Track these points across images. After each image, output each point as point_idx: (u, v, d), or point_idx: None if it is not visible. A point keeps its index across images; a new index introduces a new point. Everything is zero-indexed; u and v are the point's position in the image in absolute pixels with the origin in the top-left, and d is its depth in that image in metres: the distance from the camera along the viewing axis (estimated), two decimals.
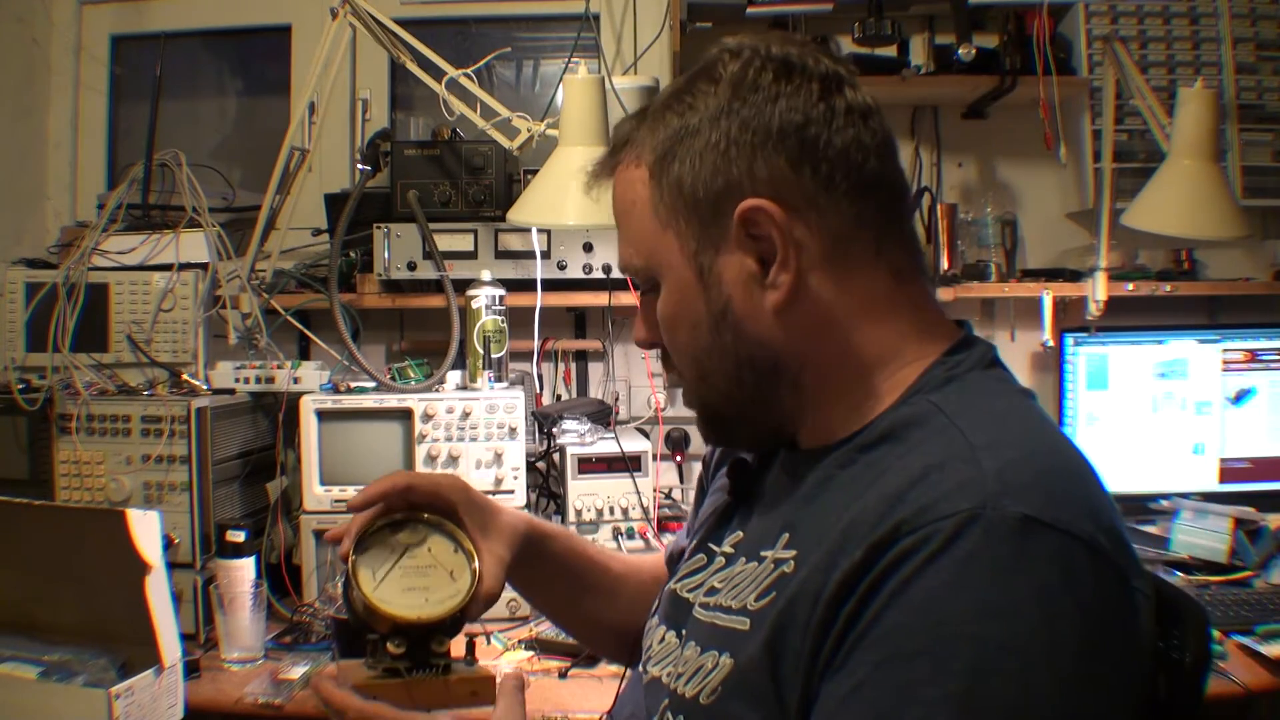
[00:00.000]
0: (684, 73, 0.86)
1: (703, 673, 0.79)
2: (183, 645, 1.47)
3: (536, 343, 2.22)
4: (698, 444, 2.31)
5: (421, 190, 2.12)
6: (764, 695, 0.73)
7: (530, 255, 2.12)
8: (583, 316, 2.45)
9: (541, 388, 2.36)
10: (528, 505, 1.92)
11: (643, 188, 0.84)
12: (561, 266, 2.13)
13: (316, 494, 1.90)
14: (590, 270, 2.13)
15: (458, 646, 0.92)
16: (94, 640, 1.44)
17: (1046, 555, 0.64)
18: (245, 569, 1.75)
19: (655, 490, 2.05)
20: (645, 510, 1.99)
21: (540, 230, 2.11)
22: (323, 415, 1.91)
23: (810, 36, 2.34)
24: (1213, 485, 2.22)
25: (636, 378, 2.42)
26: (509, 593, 1.87)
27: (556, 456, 2.10)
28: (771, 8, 2.28)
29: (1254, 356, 2.23)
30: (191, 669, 1.61)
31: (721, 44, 0.84)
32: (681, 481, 2.33)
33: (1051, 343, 2.28)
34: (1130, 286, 2.28)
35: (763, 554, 0.80)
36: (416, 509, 0.95)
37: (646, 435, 2.20)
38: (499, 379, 2.00)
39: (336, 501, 1.90)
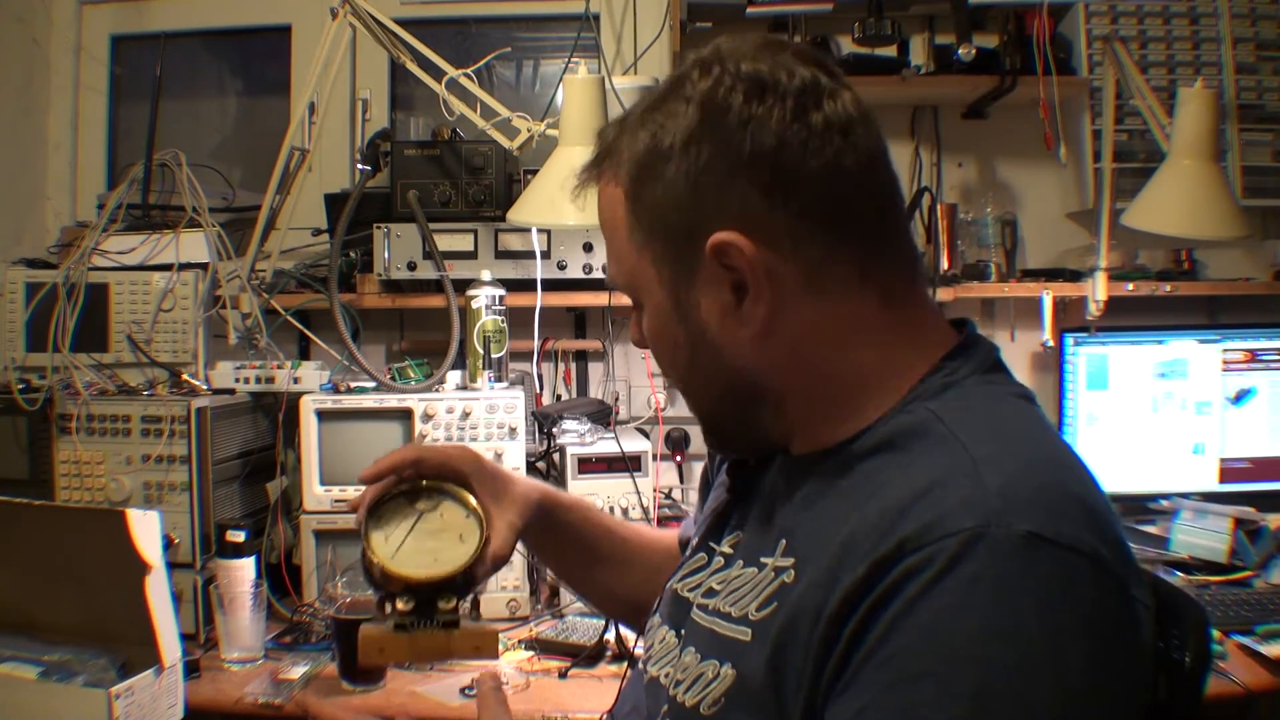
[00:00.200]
0: (667, 77, 0.84)
1: (703, 682, 0.78)
2: (183, 645, 1.47)
3: (536, 343, 2.22)
4: (698, 444, 2.31)
5: (421, 190, 2.12)
6: (767, 710, 0.72)
7: (530, 255, 2.12)
8: (583, 316, 2.45)
9: (541, 388, 2.36)
10: None
11: (620, 209, 0.82)
12: (561, 266, 2.13)
13: (316, 494, 1.90)
14: (590, 270, 2.13)
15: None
16: (94, 640, 1.44)
17: (1051, 573, 0.64)
18: (245, 569, 1.75)
19: (655, 490, 2.05)
20: (645, 510, 1.98)
21: (540, 230, 2.11)
22: (323, 415, 1.91)
23: (810, 37, 2.34)
24: (1213, 485, 2.22)
25: (636, 378, 2.42)
26: (509, 593, 1.89)
27: (556, 456, 2.10)
28: (771, 8, 2.28)
29: (1254, 356, 2.23)
30: (191, 669, 1.61)
31: (695, 56, 0.81)
32: (681, 481, 2.33)
33: (1051, 343, 2.28)
34: (1130, 286, 2.28)
35: (763, 560, 0.79)
36: (429, 479, 0.99)
37: (646, 435, 2.20)
38: (499, 379, 2.00)
39: (336, 501, 1.90)
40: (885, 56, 2.30)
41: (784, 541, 0.78)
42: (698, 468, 2.40)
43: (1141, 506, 2.17)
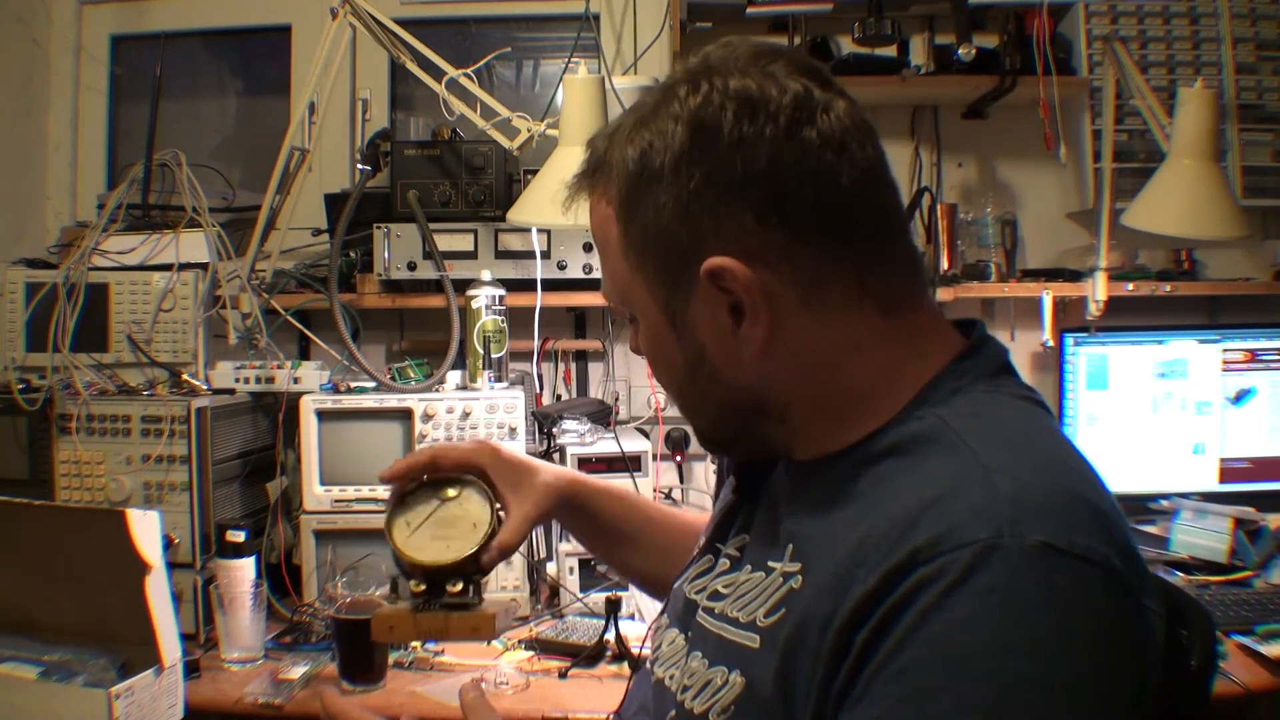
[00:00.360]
0: (658, 85, 0.82)
1: (711, 689, 0.78)
2: (183, 645, 1.47)
3: (536, 343, 2.22)
4: (698, 444, 2.31)
5: (421, 190, 2.12)
6: (776, 718, 0.72)
7: (530, 255, 2.12)
8: (583, 316, 2.45)
9: (541, 388, 2.36)
10: None
11: (613, 228, 0.81)
12: (561, 266, 2.13)
13: (316, 494, 1.90)
14: (590, 270, 2.13)
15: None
16: (94, 640, 1.44)
17: (1064, 584, 0.63)
18: (245, 569, 1.75)
19: (655, 490, 2.06)
20: None
21: (540, 230, 2.11)
22: (323, 415, 1.91)
23: (809, 37, 2.34)
24: (1213, 485, 2.22)
25: (636, 378, 2.42)
26: (509, 593, 1.89)
27: (556, 456, 2.10)
28: (771, 8, 2.28)
29: (1254, 356, 2.23)
30: (191, 669, 1.61)
31: (684, 67, 0.79)
32: (681, 481, 2.33)
33: (1051, 343, 2.28)
34: (1130, 286, 2.28)
35: (770, 565, 0.78)
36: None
37: (646, 435, 2.21)
38: (499, 379, 2.00)
39: (336, 501, 1.90)
40: (885, 56, 2.30)
41: (791, 546, 0.78)
42: (698, 468, 2.41)
43: (1141, 506, 2.17)
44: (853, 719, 0.66)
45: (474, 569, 0.98)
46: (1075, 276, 2.32)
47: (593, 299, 2.24)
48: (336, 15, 1.91)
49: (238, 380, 1.96)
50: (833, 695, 0.68)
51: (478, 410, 1.91)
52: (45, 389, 1.84)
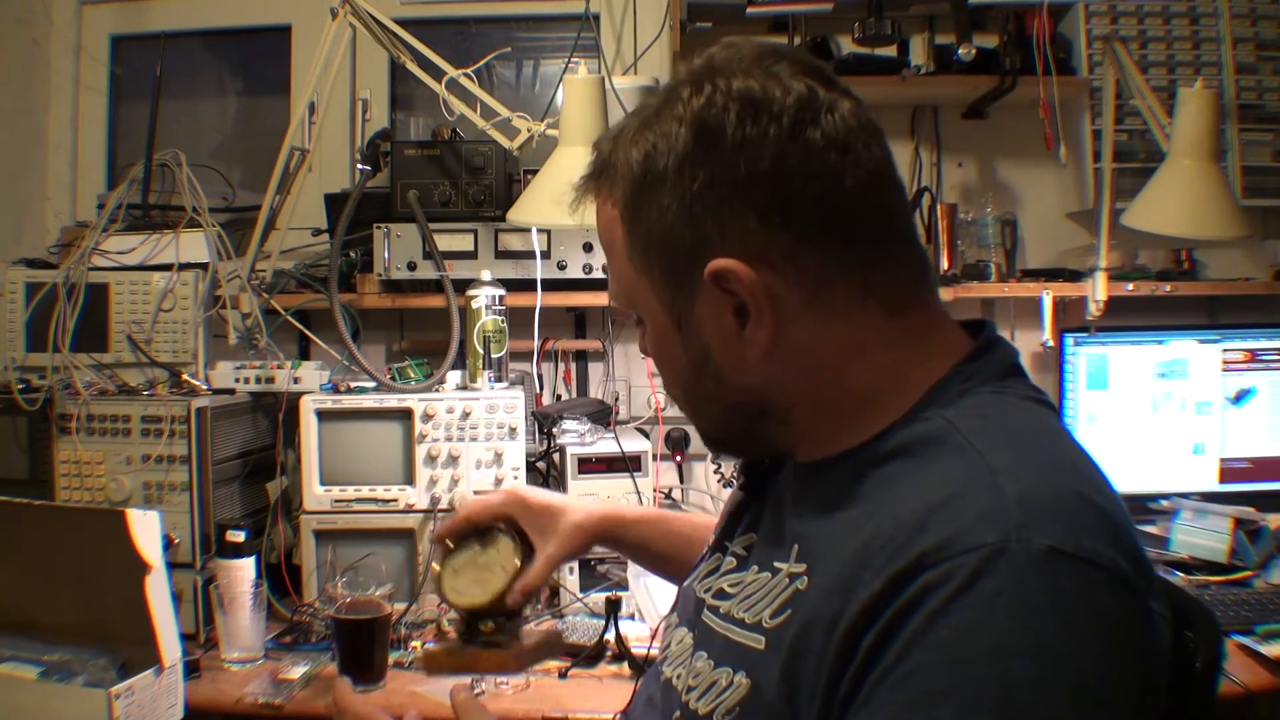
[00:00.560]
0: (662, 86, 0.82)
1: (716, 690, 0.78)
2: (183, 645, 1.47)
3: (536, 343, 2.22)
4: (698, 444, 2.31)
5: (421, 190, 2.12)
6: None
7: (530, 255, 2.12)
8: (583, 316, 2.45)
9: (541, 388, 2.36)
10: None
11: (618, 230, 0.81)
12: (561, 266, 2.13)
13: (316, 494, 1.90)
14: (590, 270, 2.13)
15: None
16: (94, 640, 1.44)
17: (1071, 588, 0.63)
18: (245, 569, 1.75)
19: (655, 490, 2.05)
20: None
21: (540, 230, 2.11)
22: (323, 415, 1.91)
23: (810, 37, 2.34)
24: (1213, 485, 2.22)
25: (636, 378, 2.42)
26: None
27: (556, 456, 2.10)
28: (771, 8, 2.28)
29: (1254, 356, 2.23)
30: (191, 669, 1.61)
31: (688, 68, 0.79)
32: (681, 481, 2.33)
33: (1051, 343, 2.28)
34: (1130, 286, 2.28)
35: (776, 565, 0.78)
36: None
37: (646, 435, 2.20)
38: (499, 379, 2.00)
39: (336, 501, 1.90)
40: (885, 56, 2.30)
41: (797, 546, 0.77)
42: (698, 468, 2.41)
43: (1141, 506, 2.17)
44: None
45: (502, 609, 1.08)
46: (1075, 276, 2.32)
47: (593, 299, 2.24)
48: (336, 15, 1.91)
49: (238, 380, 1.96)
50: (838, 699, 0.67)
51: (478, 410, 1.91)
52: (45, 389, 1.84)
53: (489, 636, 1.08)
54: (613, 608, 1.71)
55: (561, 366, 2.43)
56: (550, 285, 2.15)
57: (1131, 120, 2.29)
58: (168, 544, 1.62)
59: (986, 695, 0.61)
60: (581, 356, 2.45)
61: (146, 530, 1.40)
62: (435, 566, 1.14)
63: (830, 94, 0.76)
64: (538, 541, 1.12)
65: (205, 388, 1.91)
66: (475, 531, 1.14)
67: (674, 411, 2.32)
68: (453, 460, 1.89)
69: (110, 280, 1.96)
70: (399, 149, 2.16)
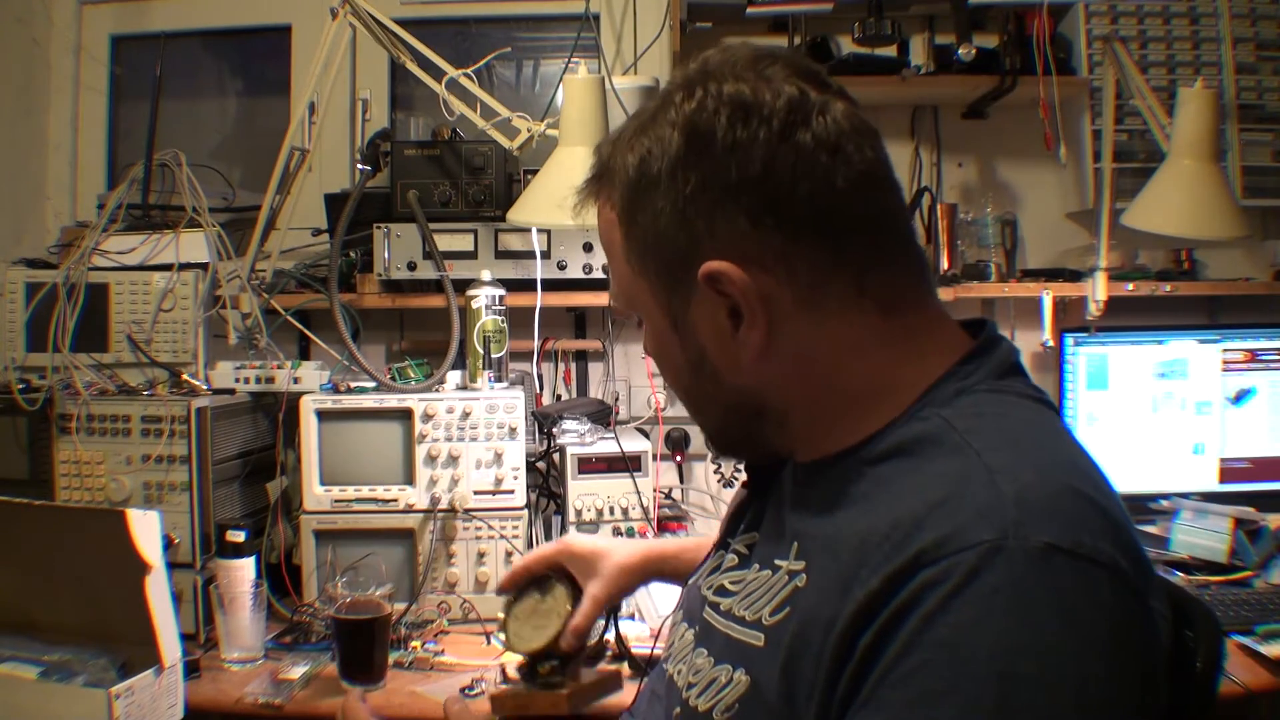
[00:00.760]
0: (659, 90, 0.84)
1: (716, 686, 0.78)
2: (183, 645, 1.47)
3: (536, 343, 2.22)
4: (698, 444, 2.32)
5: (421, 190, 2.12)
6: (780, 718, 0.72)
7: (530, 255, 2.13)
8: (583, 316, 2.45)
9: (541, 388, 2.36)
10: (527, 505, 1.92)
11: (617, 233, 0.83)
12: (561, 266, 2.13)
13: (316, 494, 1.90)
14: (590, 270, 2.13)
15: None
16: (94, 640, 1.44)
17: (1070, 586, 0.63)
18: (245, 569, 1.75)
19: (655, 490, 2.05)
20: (645, 510, 1.98)
21: (540, 230, 2.11)
22: (323, 415, 1.91)
23: (810, 37, 2.34)
24: (1213, 485, 2.22)
25: (636, 378, 2.42)
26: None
27: (556, 456, 2.10)
28: (771, 8, 2.28)
29: (1254, 356, 2.23)
30: (191, 669, 1.61)
31: (681, 73, 0.80)
32: (681, 481, 2.33)
33: (1051, 343, 2.28)
34: (1130, 286, 2.28)
35: (777, 563, 0.79)
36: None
37: (646, 435, 2.20)
38: (499, 379, 2.00)
39: (336, 501, 1.90)
40: (885, 56, 2.30)
41: (796, 544, 0.78)
42: (698, 468, 2.41)
43: (1141, 506, 2.17)
44: None
45: (558, 651, 1.15)
46: (1075, 276, 2.32)
47: (593, 299, 2.24)
48: (336, 15, 1.91)
49: (238, 380, 1.96)
50: (836, 698, 0.67)
51: (478, 410, 1.91)
52: (45, 389, 1.83)
53: (546, 678, 1.15)
54: (613, 608, 1.71)
55: (561, 366, 2.43)
56: (550, 285, 2.15)
57: (1131, 120, 2.30)
58: (168, 544, 1.62)
59: (987, 694, 0.61)
60: (581, 356, 2.45)
61: (146, 530, 1.40)
62: (500, 615, 1.23)
63: (823, 96, 0.77)
64: (585, 584, 1.20)
65: (205, 388, 1.91)
66: (533, 581, 1.22)
67: (674, 412, 2.32)
68: (453, 460, 1.89)
69: (110, 280, 1.96)
70: (399, 149, 2.16)
